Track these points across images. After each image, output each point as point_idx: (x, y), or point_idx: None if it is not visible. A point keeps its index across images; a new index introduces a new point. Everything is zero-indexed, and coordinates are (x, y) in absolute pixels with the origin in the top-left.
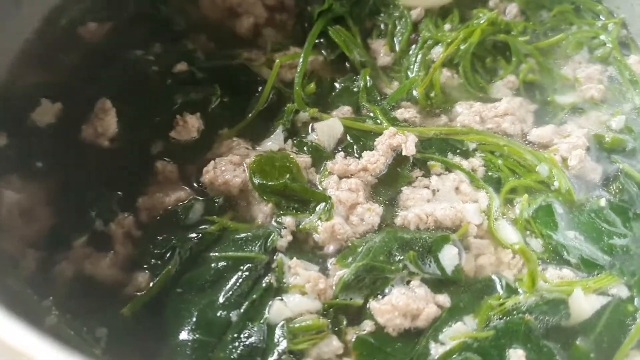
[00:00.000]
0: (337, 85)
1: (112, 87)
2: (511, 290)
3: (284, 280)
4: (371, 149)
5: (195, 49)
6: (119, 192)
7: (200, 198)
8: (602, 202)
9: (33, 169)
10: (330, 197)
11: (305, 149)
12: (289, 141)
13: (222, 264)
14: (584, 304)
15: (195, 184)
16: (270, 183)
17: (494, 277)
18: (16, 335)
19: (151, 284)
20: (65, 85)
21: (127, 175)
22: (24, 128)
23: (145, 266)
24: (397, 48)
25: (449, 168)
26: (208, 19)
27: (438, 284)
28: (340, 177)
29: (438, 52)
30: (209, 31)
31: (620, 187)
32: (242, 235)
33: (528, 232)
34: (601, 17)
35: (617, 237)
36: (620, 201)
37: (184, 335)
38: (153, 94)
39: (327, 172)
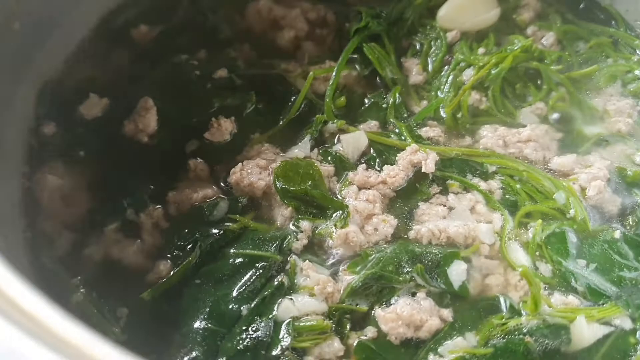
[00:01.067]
0: (367, 100)
1: (155, 87)
2: (514, 311)
3: (295, 281)
4: (392, 163)
5: (236, 57)
6: (152, 186)
7: (226, 197)
8: (617, 234)
9: (76, 158)
10: (347, 206)
11: (329, 158)
12: (315, 150)
13: (239, 260)
14: (586, 331)
15: (222, 184)
16: (292, 188)
17: (499, 297)
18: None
19: (172, 273)
20: (113, 82)
21: (161, 170)
22: (71, 119)
23: (168, 256)
24: (430, 68)
25: (467, 188)
26: (252, 29)
27: (444, 298)
28: (360, 188)
29: (469, 75)
30: (252, 41)
31: (637, 220)
32: (261, 235)
33: (539, 257)
34: (638, 51)
35: (628, 270)
36: (635, 235)
37: (197, 323)
38: (193, 97)
39: (347, 182)
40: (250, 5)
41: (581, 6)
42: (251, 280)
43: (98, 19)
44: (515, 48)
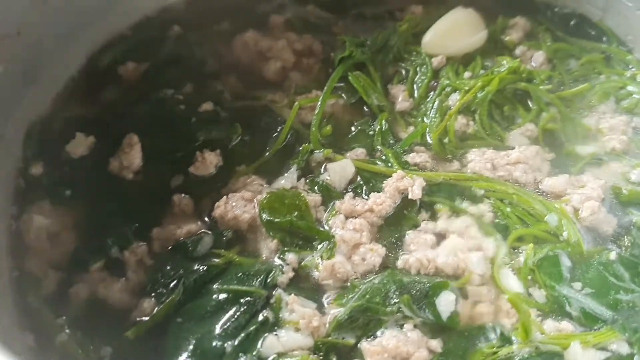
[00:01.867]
0: (353, 128)
1: (140, 123)
2: (505, 340)
3: (280, 316)
4: (380, 191)
5: (223, 90)
6: (137, 223)
7: (210, 232)
8: (612, 256)
9: (62, 197)
10: (333, 236)
11: (316, 188)
12: (302, 180)
13: (223, 296)
14: (581, 358)
15: (207, 218)
16: (277, 220)
17: (489, 325)
18: None
19: (155, 311)
20: (100, 120)
21: (146, 206)
22: (58, 159)
23: (152, 294)
24: (416, 94)
25: (456, 212)
26: (239, 61)
27: (433, 328)
28: (347, 217)
29: (455, 99)
30: (238, 73)
31: (633, 240)
32: (245, 269)
33: (531, 282)
34: (630, 66)
35: (624, 292)
36: (631, 255)
37: None
38: (178, 131)
39: (334, 211)
40: (236, 38)
41: (572, 23)
42: (235, 316)
43: (86, 58)
44: (502, 70)
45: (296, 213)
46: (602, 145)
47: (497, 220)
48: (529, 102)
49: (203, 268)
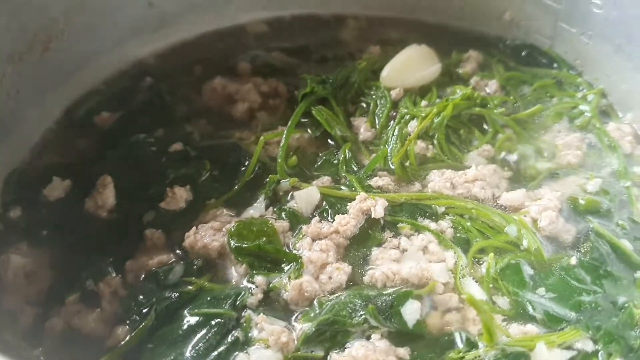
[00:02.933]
0: (319, 158)
1: (113, 165)
2: (471, 345)
3: (249, 335)
4: (345, 213)
5: (193, 131)
6: (111, 258)
7: (181, 261)
8: (573, 261)
9: (40, 237)
10: (300, 257)
11: (283, 214)
12: (270, 209)
13: (194, 319)
14: (547, 358)
15: (178, 250)
16: (245, 245)
17: (455, 332)
18: None
19: (128, 337)
20: (75, 164)
21: (119, 242)
22: (35, 202)
23: (126, 321)
24: (377, 124)
25: (418, 230)
26: (208, 105)
27: (400, 337)
28: (314, 239)
29: (414, 126)
30: (208, 116)
31: (591, 245)
32: (216, 294)
33: (495, 290)
34: (581, 88)
35: (587, 294)
36: (591, 259)
37: None
38: (149, 171)
39: (301, 235)
40: (205, 84)
41: (523, 53)
42: (206, 337)
43: (62, 111)
44: (456, 97)
45: (264, 238)
46: (558, 160)
47: (458, 235)
48: (485, 126)
49: (175, 295)
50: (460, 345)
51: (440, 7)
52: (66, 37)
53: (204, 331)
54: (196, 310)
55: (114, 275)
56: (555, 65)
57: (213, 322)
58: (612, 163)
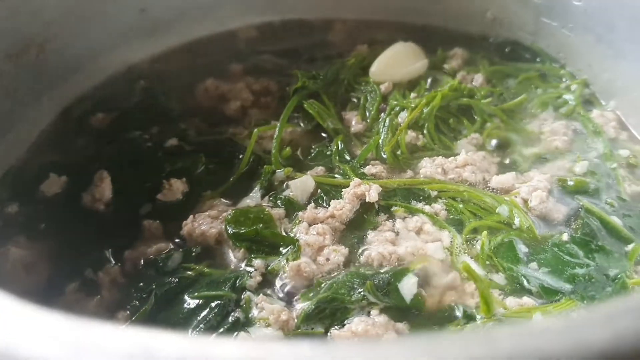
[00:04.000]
0: (312, 150)
1: (110, 161)
2: (469, 317)
3: (250, 315)
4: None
5: (187, 129)
6: (109, 249)
7: (179, 249)
8: (565, 237)
9: (38, 231)
10: (297, 240)
11: (279, 202)
12: (266, 198)
13: (194, 302)
14: None
15: (176, 239)
16: (242, 231)
17: (454, 305)
18: None
19: (129, 322)
20: (72, 162)
21: (117, 233)
22: (33, 198)
23: (127, 307)
24: (368, 117)
25: (412, 212)
26: (201, 104)
27: (399, 313)
28: (310, 224)
29: (404, 117)
30: (201, 114)
31: (582, 222)
32: (215, 278)
33: (491, 267)
34: (564, 79)
35: (580, 267)
36: (583, 235)
37: None
38: (145, 164)
39: (298, 221)
40: (198, 85)
41: (507, 50)
42: (207, 319)
43: (58, 111)
44: (444, 88)
45: (261, 224)
46: (545, 145)
47: (452, 217)
48: (474, 115)
49: (174, 280)
50: (458, 317)
51: (424, 9)
52: (60, 41)
53: (204, 313)
54: (196, 294)
55: (113, 264)
56: (538, 59)
57: (213, 304)
58: (598, 147)
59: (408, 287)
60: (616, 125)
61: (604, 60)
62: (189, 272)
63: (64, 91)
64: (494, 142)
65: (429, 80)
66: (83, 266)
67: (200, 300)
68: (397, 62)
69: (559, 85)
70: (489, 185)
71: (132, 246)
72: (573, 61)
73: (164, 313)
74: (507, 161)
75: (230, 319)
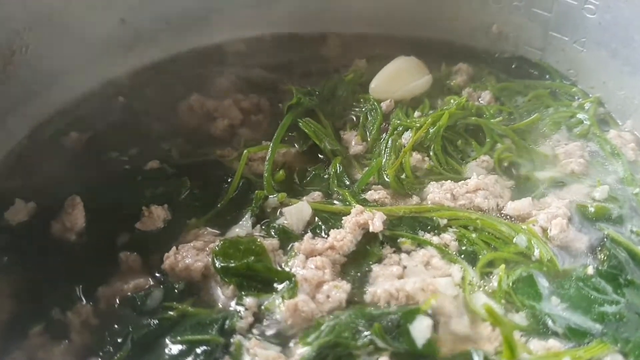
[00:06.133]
0: (308, 174)
1: (83, 185)
2: None
3: None
4: (339, 229)
5: (170, 149)
6: (80, 284)
7: (161, 285)
8: (590, 270)
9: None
10: (294, 275)
11: (272, 232)
12: (258, 227)
13: (176, 348)
14: None
15: (157, 273)
16: (232, 265)
17: (471, 351)
18: None
19: None
20: (41, 186)
21: (90, 267)
22: None
23: (99, 353)
24: (368, 137)
25: (420, 244)
26: (186, 124)
27: (410, 359)
28: (307, 257)
29: (408, 137)
30: (185, 135)
31: (608, 253)
32: (200, 318)
33: (508, 305)
34: (577, 97)
35: (609, 305)
36: (610, 267)
37: None
38: (122, 190)
39: (293, 253)
40: (181, 102)
41: (513, 66)
42: None
43: (26, 130)
44: (451, 106)
45: (252, 257)
46: (560, 169)
47: (464, 248)
48: (482, 136)
49: (154, 322)
50: None
51: (425, 22)
52: (31, 52)
53: None
54: (179, 338)
55: (84, 302)
56: (547, 76)
57: (199, 350)
58: (617, 170)
59: (421, 329)
60: (635, 147)
61: (619, 77)
62: (171, 312)
63: (34, 108)
64: (505, 165)
65: (433, 98)
66: (50, 305)
67: (184, 346)
68: (398, 78)
69: (571, 104)
70: (503, 212)
71: (106, 282)
72: (585, 78)
73: None
74: (520, 186)
75: None
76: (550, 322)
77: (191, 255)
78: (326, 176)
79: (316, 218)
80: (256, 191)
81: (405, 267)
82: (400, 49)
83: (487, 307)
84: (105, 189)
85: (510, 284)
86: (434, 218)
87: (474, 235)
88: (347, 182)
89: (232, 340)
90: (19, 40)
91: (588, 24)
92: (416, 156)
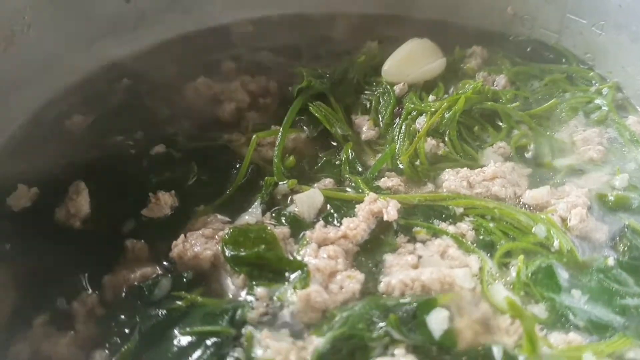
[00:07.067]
0: (319, 160)
1: (87, 170)
2: (510, 357)
3: (252, 355)
4: (352, 217)
5: (176, 133)
6: (86, 273)
7: (169, 274)
8: (610, 262)
9: (2, 251)
10: (306, 265)
11: (283, 220)
12: (268, 214)
13: (186, 339)
14: None
15: (165, 262)
16: (242, 253)
17: (489, 344)
18: None
19: None
20: (44, 171)
21: (96, 255)
22: None
23: (106, 345)
24: (381, 122)
25: (435, 234)
26: (192, 106)
27: (427, 352)
28: (320, 245)
29: (422, 122)
30: (192, 117)
31: (629, 244)
32: (210, 309)
33: (527, 296)
34: (594, 82)
35: (630, 297)
36: (631, 259)
37: None
38: (128, 175)
39: (305, 242)
40: (187, 85)
41: (528, 49)
42: None
43: (29, 114)
44: (467, 90)
45: (263, 246)
46: (579, 156)
47: (481, 237)
48: (498, 122)
49: (162, 313)
50: (496, 358)
51: (437, 3)
52: (33, 32)
53: (198, 353)
54: (188, 329)
55: (90, 292)
56: (563, 60)
57: (209, 342)
58: (637, 158)
59: (437, 321)
60: None
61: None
62: (180, 302)
63: (36, 91)
64: (521, 152)
65: (447, 82)
66: (54, 294)
67: (193, 337)
68: (412, 60)
69: (589, 89)
70: (521, 200)
71: (112, 271)
72: (603, 63)
73: (150, 352)
74: (537, 173)
75: None
76: (570, 315)
77: (200, 243)
78: (337, 162)
79: (328, 206)
80: (266, 177)
81: (420, 257)
82: (410, 32)
83: (510, 301)
84: (110, 174)
85: (529, 275)
86: (450, 207)
87: (491, 224)
88: (360, 169)
89: (243, 331)
90: (21, 20)
91: (607, 6)
92: (431, 142)
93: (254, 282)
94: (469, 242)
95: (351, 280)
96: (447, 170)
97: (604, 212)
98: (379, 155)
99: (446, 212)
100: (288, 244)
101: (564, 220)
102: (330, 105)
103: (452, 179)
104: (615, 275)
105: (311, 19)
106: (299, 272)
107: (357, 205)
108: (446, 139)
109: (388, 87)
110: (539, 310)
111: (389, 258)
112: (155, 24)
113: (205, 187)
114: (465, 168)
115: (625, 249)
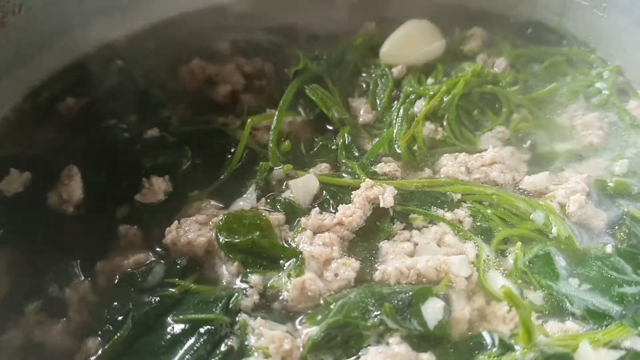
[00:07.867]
0: (315, 144)
1: (80, 154)
2: (505, 347)
3: (246, 343)
4: (348, 203)
5: (170, 116)
6: (78, 259)
7: (162, 261)
8: (608, 249)
9: None
10: (301, 252)
11: (278, 206)
12: (262, 200)
13: (179, 327)
14: (593, 358)
15: (159, 248)
16: (236, 240)
17: (485, 333)
18: None
19: (100, 351)
20: (36, 155)
21: (88, 240)
22: None
23: (98, 332)
24: (378, 106)
25: (432, 220)
26: (186, 89)
27: (422, 341)
28: (315, 233)
29: (421, 106)
30: (186, 100)
31: (627, 231)
32: (204, 297)
33: (524, 284)
34: (595, 65)
35: (628, 285)
36: (629, 246)
37: None
38: (121, 159)
39: (300, 228)
40: (181, 67)
41: (529, 31)
42: (194, 348)
43: (20, 97)
44: (466, 73)
45: (258, 232)
46: (578, 141)
47: (478, 224)
48: (497, 106)
49: (155, 300)
50: (491, 348)
51: None
52: (25, 13)
53: (191, 340)
54: (181, 317)
55: (83, 278)
56: (564, 42)
57: (202, 330)
58: (637, 143)
59: (433, 311)
60: None
61: None
62: (173, 290)
63: (27, 73)
64: (521, 136)
65: (446, 64)
66: (47, 281)
67: (187, 325)
68: (411, 42)
69: (590, 72)
70: (519, 186)
71: (105, 257)
72: (604, 45)
73: (142, 340)
74: (537, 159)
75: (223, 348)
76: (567, 303)
77: (194, 229)
78: (334, 147)
79: (324, 192)
80: (261, 162)
81: (416, 244)
82: (410, 12)
83: (506, 290)
84: (103, 158)
85: (527, 263)
86: (448, 193)
87: (489, 211)
88: (356, 154)
89: (237, 319)
90: (12, 0)
91: None
92: (429, 126)
93: (248, 270)
94: (466, 229)
95: (346, 268)
96: (445, 155)
97: (603, 198)
98: (376, 139)
99: (443, 199)
100: (283, 231)
101: (562, 206)
102: (327, 87)
103: (450, 164)
104: (614, 263)
105: None
106: (294, 259)
107: (353, 192)
108: (444, 123)
109: (386, 69)
110: (536, 297)
111: (384, 245)
112: (149, 4)
113: (199, 172)
114: (463, 153)
115: (624, 236)
